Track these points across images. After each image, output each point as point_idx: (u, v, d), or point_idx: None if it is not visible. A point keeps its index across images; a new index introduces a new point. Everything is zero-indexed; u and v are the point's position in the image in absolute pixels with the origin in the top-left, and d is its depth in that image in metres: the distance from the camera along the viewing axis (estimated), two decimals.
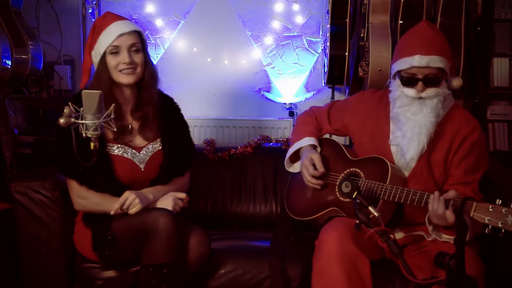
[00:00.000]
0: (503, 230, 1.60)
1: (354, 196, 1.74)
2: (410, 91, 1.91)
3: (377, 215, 1.68)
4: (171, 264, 1.85)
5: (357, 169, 2.03)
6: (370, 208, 1.70)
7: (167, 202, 2.00)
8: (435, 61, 1.87)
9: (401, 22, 2.94)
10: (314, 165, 2.05)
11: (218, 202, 2.61)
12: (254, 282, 2.06)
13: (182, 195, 2.03)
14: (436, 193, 1.76)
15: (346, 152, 2.13)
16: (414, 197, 1.82)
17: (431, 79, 1.89)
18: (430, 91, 1.89)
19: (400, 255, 1.61)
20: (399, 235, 1.97)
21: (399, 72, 1.94)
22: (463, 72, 2.96)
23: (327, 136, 2.27)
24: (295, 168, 2.23)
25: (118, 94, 2.02)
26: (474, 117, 2.03)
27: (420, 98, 1.90)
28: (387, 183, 1.88)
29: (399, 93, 1.94)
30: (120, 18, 2.02)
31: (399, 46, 2.00)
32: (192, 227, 2.02)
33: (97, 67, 2.00)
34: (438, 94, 1.90)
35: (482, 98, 3.19)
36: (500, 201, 1.63)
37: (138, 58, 1.98)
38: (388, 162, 1.93)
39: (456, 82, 1.96)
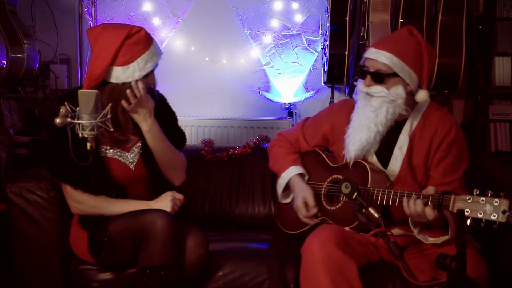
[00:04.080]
0: (483, 220, 1.60)
1: (354, 197, 1.73)
2: (360, 84, 1.93)
3: (377, 216, 1.67)
4: (168, 266, 1.83)
5: (339, 176, 2.03)
6: (370, 209, 1.68)
7: (165, 202, 1.97)
8: (383, 57, 1.87)
9: (402, 20, 2.93)
10: (306, 204, 2.02)
11: (216, 203, 2.60)
12: (253, 285, 2.05)
13: (180, 196, 2.01)
14: (413, 195, 1.76)
15: (327, 159, 2.12)
16: (395, 197, 1.82)
17: (377, 75, 1.88)
18: (374, 88, 1.89)
19: (401, 257, 1.61)
20: (396, 232, 1.96)
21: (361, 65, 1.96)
22: (464, 71, 2.94)
23: None
24: (288, 199, 2.18)
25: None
26: (450, 114, 2.02)
27: (367, 94, 1.91)
28: (369, 186, 1.88)
29: (357, 87, 1.97)
30: (152, 37, 1.96)
31: None
32: (189, 228, 2.01)
33: (119, 83, 1.88)
34: (383, 94, 1.88)
35: (484, 98, 3.17)
36: (478, 191, 1.63)
37: None
38: (367, 166, 1.92)
39: (420, 96, 1.91)
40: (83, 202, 1.95)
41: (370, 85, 1.90)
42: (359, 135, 1.92)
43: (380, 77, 1.88)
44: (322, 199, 2.05)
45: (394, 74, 1.88)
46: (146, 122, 1.95)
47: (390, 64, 1.87)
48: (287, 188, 2.15)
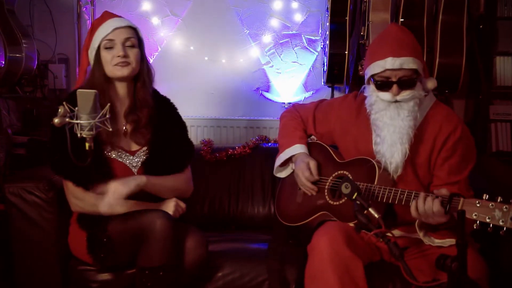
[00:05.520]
0: (491, 225, 1.60)
1: (354, 197, 1.72)
2: (386, 95, 1.90)
3: (377, 217, 1.66)
4: (167, 267, 1.83)
5: (345, 172, 2.02)
6: (370, 209, 1.67)
7: (168, 206, 1.98)
8: (408, 63, 1.86)
9: (402, 20, 2.92)
10: (309, 170, 2.05)
11: (215, 203, 2.59)
12: (252, 285, 2.05)
13: (183, 204, 2.02)
14: (422, 193, 1.76)
15: (334, 155, 2.12)
16: (402, 196, 1.82)
17: (405, 81, 1.88)
18: (405, 94, 1.88)
19: (401, 258, 1.61)
20: (397, 233, 1.96)
21: (372, 76, 1.92)
22: (465, 71, 2.94)
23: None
24: (282, 173, 2.23)
25: (112, 93, 2.01)
26: (455, 113, 2.02)
27: (396, 101, 1.89)
28: (375, 183, 1.88)
29: (375, 98, 1.93)
30: (117, 15, 2.04)
31: (370, 51, 1.99)
32: (189, 229, 2.00)
33: (92, 63, 1.99)
34: (414, 96, 1.89)
35: (485, 98, 3.16)
36: (487, 196, 1.63)
37: (132, 52, 1.98)
38: (375, 163, 1.93)
39: (431, 83, 1.96)
40: (84, 200, 1.94)
41: (399, 93, 1.88)
42: (402, 146, 1.90)
43: (412, 82, 1.89)
44: (326, 193, 2.04)
45: (418, 74, 1.90)
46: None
47: (417, 67, 1.88)
48: (285, 164, 2.18)
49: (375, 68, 1.90)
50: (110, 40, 1.95)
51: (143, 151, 2.03)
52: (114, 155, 1.99)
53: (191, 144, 2.17)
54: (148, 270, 1.82)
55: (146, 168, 2.00)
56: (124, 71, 1.96)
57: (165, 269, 1.82)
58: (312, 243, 1.88)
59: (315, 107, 2.23)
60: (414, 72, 1.88)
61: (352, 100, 2.12)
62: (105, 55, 1.96)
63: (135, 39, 1.99)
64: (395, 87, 1.88)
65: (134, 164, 2.01)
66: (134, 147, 2.03)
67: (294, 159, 2.14)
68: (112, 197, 1.84)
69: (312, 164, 2.06)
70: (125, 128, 2.03)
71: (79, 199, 1.95)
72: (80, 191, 1.94)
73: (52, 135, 1.94)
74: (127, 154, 2.01)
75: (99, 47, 1.97)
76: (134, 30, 2.01)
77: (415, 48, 1.92)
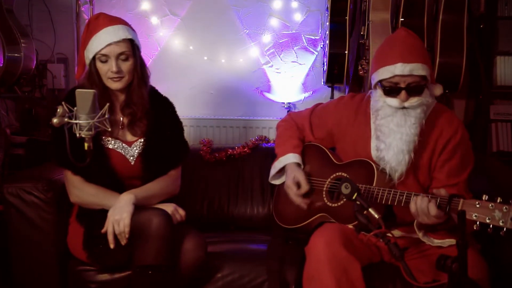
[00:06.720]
0: (491, 226, 1.59)
1: (354, 197, 1.71)
2: (393, 101, 1.88)
3: (377, 217, 1.65)
4: (158, 267, 1.81)
5: (343, 173, 2.02)
6: (370, 210, 1.67)
7: (167, 208, 1.97)
8: (418, 69, 1.85)
9: (402, 19, 2.91)
10: (298, 183, 2.04)
11: (214, 204, 2.58)
12: (252, 286, 2.05)
13: (183, 212, 2.02)
14: (422, 194, 1.76)
15: (331, 156, 2.11)
16: (401, 198, 1.81)
17: (414, 88, 1.86)
18: (413, 101, 1.87)
19: (401, 258, 1.60)
20: (397, 233, 1.95)
21: (380, 81, 1.90)
22: (465, 71, 2.93)
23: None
24: (277, 181, 2.23)
25: (109, 92, 2.03)
26: (456, 116, 2.02)
27: (404, 108, 1.88)
28: (374, 185, 1.87)
29: (382, 104, 1.91)
30: (112, 22, 2.00)
31: (378, 55, 1.97)
32: (187, 230, 2.00)
33: (88, 67, 2.01)
34: (422, 103, 1.88)
35: (485, 98, 3.16)
36: (487, 196, 1.62)
37: (126, 66, 1.99)
38: (373, 165, 1.92)
39: (438, 90, 1.95)
40: (82, 189, 1.96)
41: (407, 99, 1.87)
42: (408, 154, 1.89)
43: (421, 88, 1.87)
44: (324, 195, 2.04)
45: (426, 80, 1.89)
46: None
47: (426, 74, 1.86)
48: (281, 171, 2.17)
49: (383, 73, 1.88)
50: (104, 55, 1.96)
51: (140, 142, 2.04)
52: (111, 146, 2.00)
53: (186, 144, 2.18)
54: (139, 268, 1.81)
55: (144, 159, 2.02)
56: (117, 85, 2.00)
57: (155, 268, 1.80)
58: (309, 244, 1.87)
59: (311, 113, 2.21)
60: (422, 79, 1.87)
61: (349, 101, 2.11)
62: (101, 67, 1.98)
63: (130, 51, 1.99)
64: (403, 93, 1.86)
65: (131, 154, 2.02)
66: (131, 138, 2.05)
67: (285, 169, 2.13)
68: (120, 228, 1.84)
69: (299, 175, 2.04)
70: (122, 119, 2.05)
71: (78, 188, 1.96)
72: (79, 180, 1.95)
73: (53, 130, 1.95)
74: (125, 144, 2.02)
75: (94, 58, 1.97)
76: (129, 40, 1.99)
77: (424, 54, 1.90)
